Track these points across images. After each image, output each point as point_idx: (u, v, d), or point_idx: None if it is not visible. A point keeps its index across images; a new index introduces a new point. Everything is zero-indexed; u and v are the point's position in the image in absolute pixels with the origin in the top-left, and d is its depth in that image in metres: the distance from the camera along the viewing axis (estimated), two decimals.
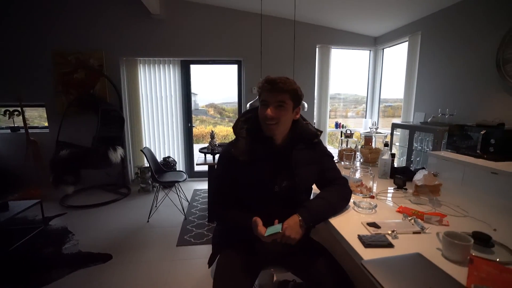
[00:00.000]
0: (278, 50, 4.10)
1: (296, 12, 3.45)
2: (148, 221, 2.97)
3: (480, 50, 2.57)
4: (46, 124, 4.10)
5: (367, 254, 0.86)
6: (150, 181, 3.99)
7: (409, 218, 1.12)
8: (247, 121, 1.25)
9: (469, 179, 1.79)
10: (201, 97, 9.34)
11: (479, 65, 2.58)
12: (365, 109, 4.75)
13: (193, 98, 4.50)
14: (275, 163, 1.18)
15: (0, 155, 3.96)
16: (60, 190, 3.38)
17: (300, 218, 1.07)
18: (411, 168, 1.83)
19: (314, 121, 4.44)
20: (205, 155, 3.06)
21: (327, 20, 4.05)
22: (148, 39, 3.95)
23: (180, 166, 4.42)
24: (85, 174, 3.66)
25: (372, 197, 1.40)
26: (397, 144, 3.53)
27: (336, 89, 4.80)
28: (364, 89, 4.70)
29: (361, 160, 2.17)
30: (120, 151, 3.66)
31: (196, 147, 4.34)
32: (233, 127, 1.26)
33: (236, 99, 4.50)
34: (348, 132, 2.28)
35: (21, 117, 3.72)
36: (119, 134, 3.85)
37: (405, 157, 3.19)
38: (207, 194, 3.68)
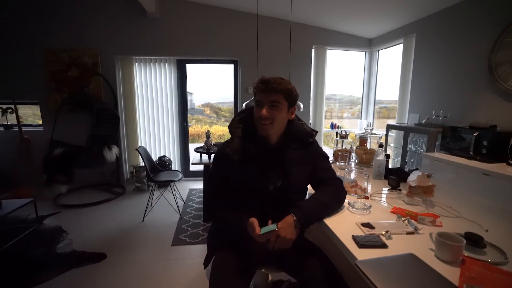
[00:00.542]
0: (274, 50, 4.11)
1: (292, 13, 3.46)
2: (143, 221, 2.95)
3: (473, 53, 2.61)
4: (40, 122, 4.04)
5: (361, 255, 0.87)
6: (145, 180, 3.96)
7: (403, 219, 1.13)
8: (242, 121, 1.25)
9: (461, 180, 1.82)
10: (197, 96, 9.31)
11: (472, 67, 2.62)
12: (360, 110, 4.78)
13: (189, 98, 4.49)
14: (269, 162, 1.18)
15: None
16: (53, 189, 3.34)
17: (294, 218, 1.08)
18: (405, 169, 1.85)
19: (310, 121, 4.45)
20: (200, 155, 3.05)
21: (323, 21, 4.07)
22: (143, 37, 3.93)
23: (176, 165, 4.40)
24: (79, 173, 3.62)
25: (367, 197, 1.41)
26: (392, 145, 3.56)
27: (332, 90, 4.82)
28: (359, 90, 4.73)
29: (356, 160, 2.19)
30: (115, 150, 3.63)
31: (192, 146, 4.32)
32: (229, 127, 1.27)
33: (232, 99, 4.50)
34: (344, 132, 2.30)
35: (14, 115, 3.67)
36: (114, 133, 3.81)
37: (399, 158, 3.22)
38: (202, 194, 3.67)
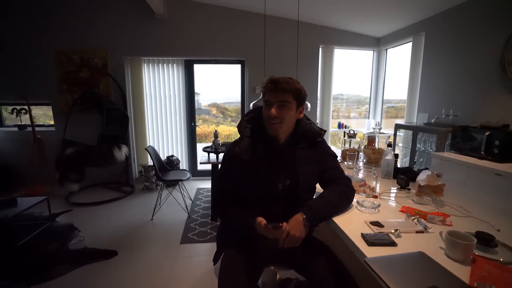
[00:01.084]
0: (281, 50, 4.11)
1: (299, 13, 3.46)
2: (152, 219, 3.00)
3: (484, 51, 2.56)
4: (52, 122, 4.14)
5: (371, 252, 0.87)
6: (154, 180, 4.02)
7: (412, 218, 1.13)
8: (251, 121, 1.27)
9: (472, 180, 1.79)
10: (204, 96, 9.38)
11: (483, 66, 2.58)
12: (368, 110, 4.75)
13: (195, 98, 4.53)
14: (278, 161, 1.19)
15: (6, 153, 4.02)
16: (65, 188, 3.42)
17: (304, 217, 1.09)
18: (414, 169, 1.83)
19: (317, 121, 4.44)
20: (208, 154, 3.08)
21: (330, 21, 4.06)
22: (152, 38, 3.98)
23: (184, 165, 4.45)
24: (90, 172, 3.70)
25: (375, 196, 1.41)
26: (400, 145, 3.53)
27: (339, 90, 4.80)
28: (367, 89, 4.70)
29: (364, 160, 2.18)
30: (124, 149, 3.69)
31: (199, 146, 4.36)
32: (238, 126, 1.28)
33: (239, 99, 4.52)
34: (352, 132, 2.29)
35: (28, 115, 3.78)
36: (123, 132, 3.88)
37: (408, 158, 3.19)
38: (210, 193, 3.70)
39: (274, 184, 1.18)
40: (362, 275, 1.14)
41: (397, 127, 3.40)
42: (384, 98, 4.49)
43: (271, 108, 1.14)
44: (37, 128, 3.89)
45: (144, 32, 3.96)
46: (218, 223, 2.62)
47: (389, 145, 1.76)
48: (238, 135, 1.29)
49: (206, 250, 2.37)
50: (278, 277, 1.77)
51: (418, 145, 3.02)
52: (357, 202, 1.28)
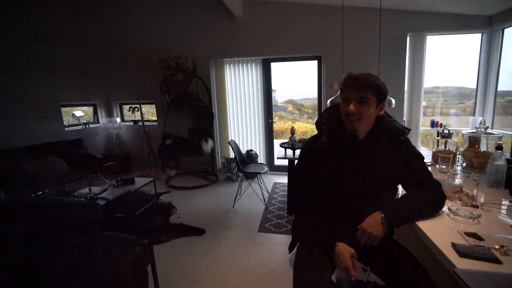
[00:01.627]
0: (361, 43, 3.86)
1: None
2: (233, 206, 3.33)
3: None
4: (155, 118, 5.02)
5: (462, 264, 0.81)
6: (234, 171, 4.41)
7: None
8: (330, 117, 1.28)
9: None
10: (280, 93, 9.57)
11: None
12: (474, 105, 4.00)
13: (272, 95, 4.70)
14: (357, 159, 1.18)
15: (127, 142, 5.08)
16: (165, 173, 4.12)
17: (382, 215, 1.06)
18: None
19: (404, 118, 4.01)
20: (285, 150, 3.20)
21: (419, 3, 3.56)
22: (232, 41, 4.33)
23: (261, 159, 4.71)
24: (184, 160, 4.34)
25: (475, 206, 1.24)
26: None
27: (434, 82, 4.20)
28: (472, 80, 3.96)
29: (464, 164, 1.90)
30: (210, 143, 4.18)
31: (276, 142, 4.54)
32: (316, 123, 1.32)
33: (315, 95, 4.48)
34: (446, 131, 2.02)
35: (139, 112, 4.68)
36: (209, 128, 4.39)
37: None
38: (286, 188, 3.84)
39: (352, 181, 1.17)
40: (445, 286, 1.04)
41: None
42: (499, 89, 3.70)
43: (349, 105, 1.14)
44: (145, 123, 4.77)
45: (226, 36, 4.34)
46: (293, 217, 2.71)
47: (498, 147, 1.50)
48: (315, 132, 1.32)
49: (281, 241, 2.51)
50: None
51: None
52: (449, 209, 1.17)
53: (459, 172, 1.50)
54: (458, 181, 1.38)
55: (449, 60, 4.11)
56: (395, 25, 3.79)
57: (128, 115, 5.25)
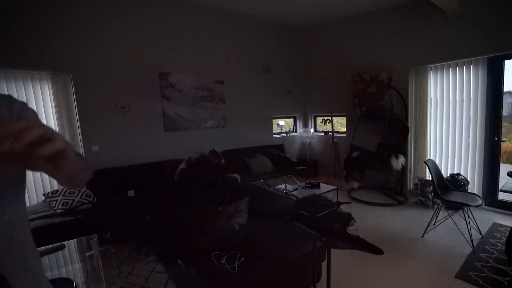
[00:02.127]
0: None
1: None
2: (422, 236, 2.82)
3: None
4: (344, 129, 5.20)
5: None
6: (430, 196, 3.69)
7: None
8: None
9: None
10: None
11: None
12: None
13: (507, 101, 3.41)
14: None
15: (316, 150, 5.68)
16: (348, 184, 4.19)
17: None
18: None
19: None
20: None
21: None
22: (441, 43, 3.63)
23: (475, 188, 3.61)
24: (368, 174, 4.21)
25: None
26: None
27: None
28: None
29: None
30: (402, 159, 3.76)
31: (503, 168, 3.30)
32: None
33: None
34: None
35: (330, 124, 5.06)
36: (402, 142, 3.95)
37: None
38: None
39: None
40: None
41: None
42: None
43: None
44: (335, 134, 5.08)
45: (432, 38, 3.72)
46: None
47: None
48: None
49: None
50: None
51: None
52: None
53: None
54: None
55: None
56: None
57: (320, 126, 5.84)
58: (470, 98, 3.57)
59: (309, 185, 3.65)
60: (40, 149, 0.42)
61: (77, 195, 2.83)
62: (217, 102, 4.42)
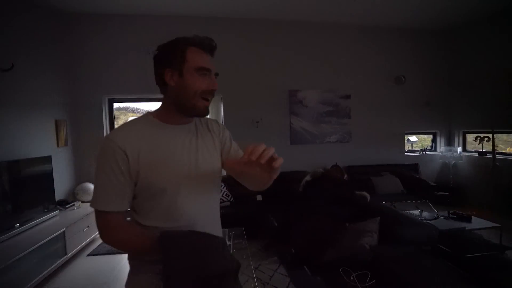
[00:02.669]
0: None
1: None
2: None
3: None
4: (511, 150, 3.97)
5: None
6: None
7: None
8: None
9: None
10: None
11: None
12: None
13: None
14: None
15: (463, 174, 4.59)
16: None
17: None
18: None
19: None
20: None
21: None
22: None
23: None
24: None
25: None
26: None
27: None
28: None
29: None
30: None
31: None
32: None
33: None
34: None
35: (489, 143, 3.99)
36: None
37: None
38: None
39: None
40: None
41: None
42: None
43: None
44: (497, 156, 3.96)
45: None
46: None
47: None
48: None
49: None
50: None
51: None
52: None
53: None
54: None
55: None
56: None
57: (472, 145, 4.70)
58: None
59: (454, 216, 3.00)
60: (275, 162, 0.65)
61: (221, 193, 3.49)
62: (342, 117, 4.39)
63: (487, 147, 4.18)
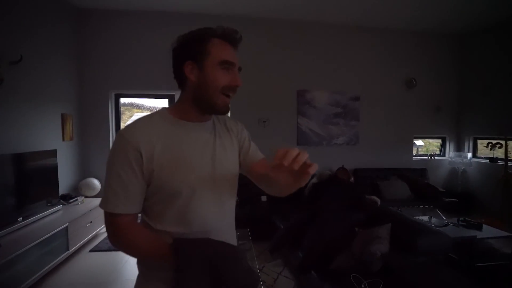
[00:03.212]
0: None
1: None
2: None
3: None
4: None
5: None
6: None
7: None
8: None
9: None
10: None
11: None
12: None
13: None
14: None
15: (473, 181, 4.49)
16: None
17: None
18: None
19: None
20: None
21: None
22: None
23: None
24: None
25: None
26: None
27: None
28: None
29: None
30: None
31: None
32: None
33: None
34: None
35: (501, 149, 3.89)
36: None
37: None
38: None
39: None
40: None
41: None
42: None
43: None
44: (510, 163, 3.85)
45: None
46: None
47: None
48: None
49: None
50: None
51: None
52: None
53: None
54: None
55: None
56: None
57: (483, 151, 4.60)
58: None
59: (464, 224, 2.92)
60: (311, 168, 0.60)
61: None
62: (351, 119, 4.31)
63: (498, 153, 4.08)
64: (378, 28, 4.35)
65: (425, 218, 3.06)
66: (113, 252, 2.93)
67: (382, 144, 4.52)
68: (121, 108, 4.16)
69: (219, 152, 0.83)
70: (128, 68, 3.77)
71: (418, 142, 5.05)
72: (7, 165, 2.40)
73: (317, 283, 1.77)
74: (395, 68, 4.50)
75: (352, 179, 3.79)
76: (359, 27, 4.29)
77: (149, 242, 0.74)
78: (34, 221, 2.55)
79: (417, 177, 4.37)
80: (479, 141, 4.63)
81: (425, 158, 4.80)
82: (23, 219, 2.44)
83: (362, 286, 1.50)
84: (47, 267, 2.36)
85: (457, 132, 4.83)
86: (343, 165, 3.90)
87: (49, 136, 3.12)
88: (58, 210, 2.91)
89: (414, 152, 4.86)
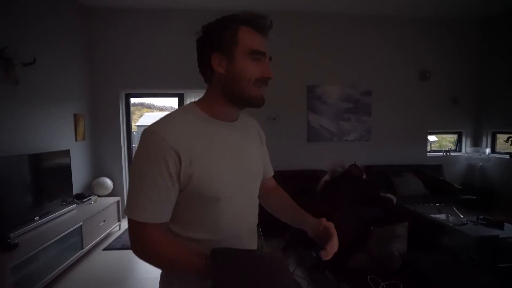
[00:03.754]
0: None
1: None
2: None
3: None
4: None
5: None
6: None
7: None
8: None
9: None
10: None
11: None
12: None
13: None
14: None
15: (492, 177, 4.32)
16: None
17: None
18: None
19: None
20: None
21: None
22: None
23: None
24: None
25: None
26: None
27: None
28: None
29: None
30: None
31: None
32: None
33: None
34: None
35: None
36: None
37: None
38: None
39: None
40: None
41: None
42: None
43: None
44: None
45: None
46: None
47: None
48: None
49: None
50: None
51: None
52: None
53: None
54: None
55: None
56: None
57: (503, 146, 4.42)
58: None
59: (484, 222, 2.80)
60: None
61: None
62: (362, 114, 4.22)
63: None
64: (390, 17, 4.19)
65: (442, 216, 2.96)
66: (126, 251, 2.96)
67: (395, 140, 4.41)
68: (131, 108, 4.20)
69: (251, 154, 0.79)
70: (138, 68, 3.79)
71: (431, 138, 4.90)
72: (24, 166, 2.45)
73: (331, 283, 1.73)
74: (409, 59, 4.35)
75: (364, 176, 3.71)
76: (369, 18, 4.16)
77: (182, 254, 0.65)
78: (50, 220, 2.60)
79: (432, 173, 4.25)
80: (498, 135, 4.45)
81: (440, 154, 4.65)
82: (40, 218, 2.48)
83: (380, 287, 1.45)
84: (63, 265, 2.40)
85: (474, 127, 4.65)
86: (355, 162, 3.82)
87: (63, 136, 3.18)
88: (72, 209, 2.95)
89: (428, 148, 4.71)
